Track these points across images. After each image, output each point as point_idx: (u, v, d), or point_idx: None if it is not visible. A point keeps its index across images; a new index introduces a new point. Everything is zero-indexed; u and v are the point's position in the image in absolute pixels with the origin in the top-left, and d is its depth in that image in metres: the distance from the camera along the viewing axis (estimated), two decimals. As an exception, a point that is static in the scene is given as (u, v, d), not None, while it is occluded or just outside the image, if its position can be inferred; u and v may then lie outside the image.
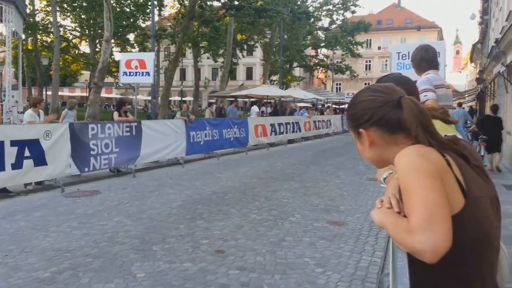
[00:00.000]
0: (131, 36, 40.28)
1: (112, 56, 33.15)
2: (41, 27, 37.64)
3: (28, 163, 8.21)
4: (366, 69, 71.66)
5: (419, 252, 1.13)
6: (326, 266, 4.99)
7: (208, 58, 44.03)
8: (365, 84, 70.97)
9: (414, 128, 1.35)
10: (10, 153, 7.87)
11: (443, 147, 1.33)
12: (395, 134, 1.40)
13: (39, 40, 40.40)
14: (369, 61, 72.47)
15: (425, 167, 1.21)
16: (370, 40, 69.34)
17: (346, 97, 38.04)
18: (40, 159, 8.46)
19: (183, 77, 60.53)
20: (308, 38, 50.86)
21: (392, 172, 1.99)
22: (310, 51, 55.86)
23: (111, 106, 54.02)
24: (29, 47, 39.04)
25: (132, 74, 13.54)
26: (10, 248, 5.37)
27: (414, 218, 1.16)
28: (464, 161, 1.35)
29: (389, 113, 1.40)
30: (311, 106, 32.80)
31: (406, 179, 1.22)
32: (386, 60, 65.27)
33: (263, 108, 24.22)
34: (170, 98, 39.92)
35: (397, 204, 1.29)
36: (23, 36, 23.17)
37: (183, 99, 46.12)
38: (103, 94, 38.79)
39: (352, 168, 12.99)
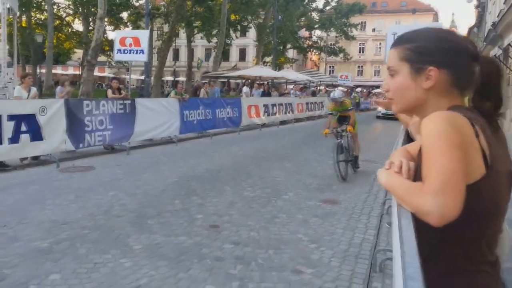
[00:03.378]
0: (124, 15, 39.91)
1: (105, 35, 32.82)
2: (35, 4, 37.10)
3: (24, 137, 8.24)
4: (359, 51, 71.28)
5: (426, 214, 1.15)
6: (319, 242, 5.10)
7: (201, 38, 43.67)
8: (359, 67, 71.04)
9: (490, 89, 1.33)
10: (7, 128, 7.89)
11: (483, 116, 1.33)
12: (454, 88, 1.36)
13: (32, 17, 39.88)
14: (363, 44, 72.08)
15: (450, 135, 1.20)
16: (365, 22, 68.90)
17: (339, 79, 38.02)
18: (36, 134, 8.48)
19: (176, 57, 60.01)
20: (302, 20, 50.53)
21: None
22: (304, 33, 55.56)
23: (104, 85, 53.57)
24: (23, 25, 38.52)
25: (126, 51, 13.43)
26: (8, 219, 5.42)
27: (429, 181, 1.17)
28: (494, 130, 1.34)
29: (467, 64, 1.35)
30: (303, 86, 32.70)
31: (430, 144, 1.22)
32: (380, 43, 65.23)
33: (254, 91, 23.59)
34: (163, 78, 39.66)
35: (407, 172, 1.31)
36: (18, 13, 22.86)
37: (176, 79, 45.82)
38: (96, 73, 38.40)
39: (345, 149, 13.10)
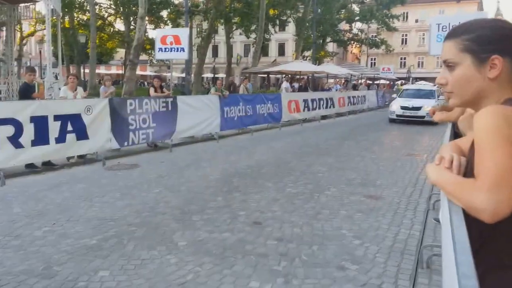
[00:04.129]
0: (164, 13, 40.56)
1: (146, 34, 33.47)
2: (77, 5, 38.22)
3: (70, 137, 8.47)
4: (402, 43, 69.57)
5: (478, 210, 1.13)
6: (363, 238, 5.02)
7: (240, 34, 43.82)
8: (401, 58, 69.46)
9: None
10: (54, 128, 8.14)
11: None
12: None
13: (75, 18, 41.10)
14: (406, 35, 70.32)
15: (502, 130, 1.17)
16: (407, 13, 67.15)
17: (381, 72, 37.37)
18: (82, 133, 8.71)
19: (215, 53, 60.51)
20: (342, 12, 49.83)
21: None
22: (343, 26, 54.78)
23: (146, 84, 54.67)
24: (66, 25, 39.75)
25: (167, 50, 13.63)
26: (57, 217, 5.61)
27: (483, 177, 1.15)
28: None
29: None
30: (344, 81, 32.29)
31: (482, 139, 1.20)
32: (424, 34, 63.49)
33: (284, 85, 22.96)
34: (202, 75, 40.10)
35: (458, 168, 1.27)
36: (61, 14, 23.62)
37: (216, 75, 46.22)
38: (138, 71, 39.30)
39: (388, 143, 12.87)
